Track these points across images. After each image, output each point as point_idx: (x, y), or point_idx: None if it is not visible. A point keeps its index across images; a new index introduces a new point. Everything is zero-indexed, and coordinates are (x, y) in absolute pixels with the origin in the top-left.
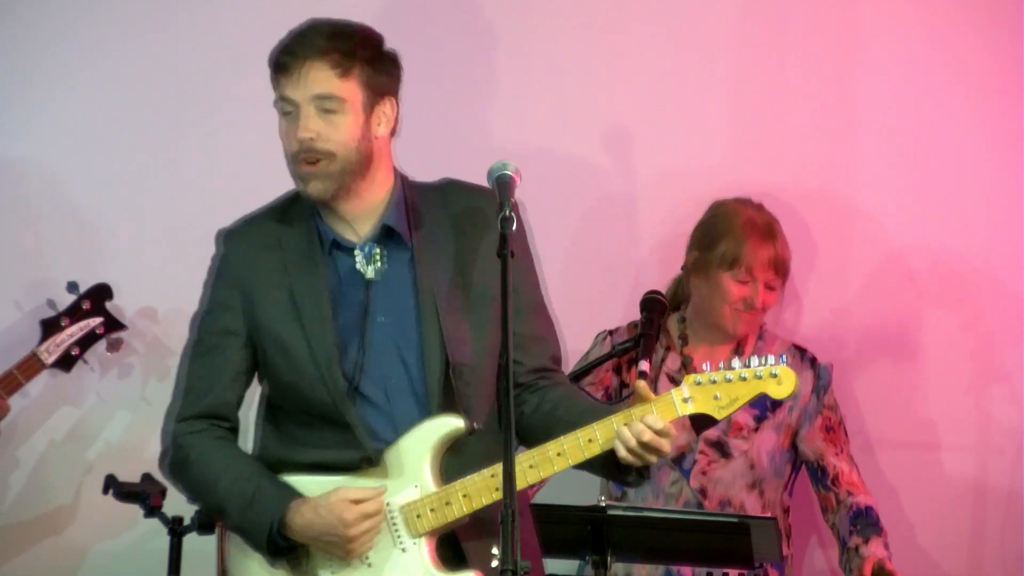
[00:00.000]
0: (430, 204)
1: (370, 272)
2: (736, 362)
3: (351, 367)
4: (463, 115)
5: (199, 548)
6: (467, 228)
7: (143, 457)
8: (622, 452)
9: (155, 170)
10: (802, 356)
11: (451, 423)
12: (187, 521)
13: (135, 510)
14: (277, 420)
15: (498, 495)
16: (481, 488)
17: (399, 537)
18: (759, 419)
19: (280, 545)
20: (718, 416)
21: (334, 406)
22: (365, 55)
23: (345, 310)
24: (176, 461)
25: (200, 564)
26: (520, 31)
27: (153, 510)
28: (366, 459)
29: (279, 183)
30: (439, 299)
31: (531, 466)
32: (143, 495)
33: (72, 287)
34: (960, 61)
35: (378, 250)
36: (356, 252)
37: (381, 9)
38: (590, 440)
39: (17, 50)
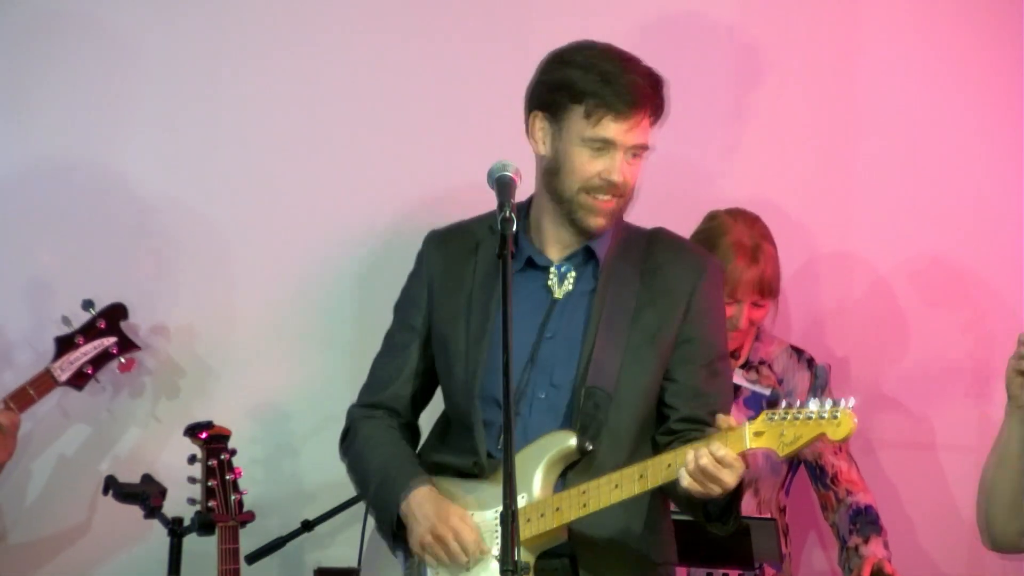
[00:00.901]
0: (632, 244)
1: (558, 292)
2: (813, 403)
3: (519, 380)
4: (460, 116)
5: (199, 548)
6: (659, 276)
7: (152, 470)
8: (685, 480)
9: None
10: (799, 357)
11: (564, 439)
12: (187, 522)
13: (146, 524)
14: (442, 425)
15: (585, 511)
16: (572, 503)
17: (497, 544)
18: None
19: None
20: (781, 453)
21: (468, 412)
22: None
23: (518, 322)
24: (347, 439)
25: (200, 564)
26: (520, 30)
27: (153, 510)
28: (477, 464)
29: (295, 203)
30: (602, 327)
31: (616, 486)
32: (143, 495)
33: (87, 305)
34: (960, 62)
35: (573, 272)
36: (552, 271)
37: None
38: (669, 465)
39: (26, 64)
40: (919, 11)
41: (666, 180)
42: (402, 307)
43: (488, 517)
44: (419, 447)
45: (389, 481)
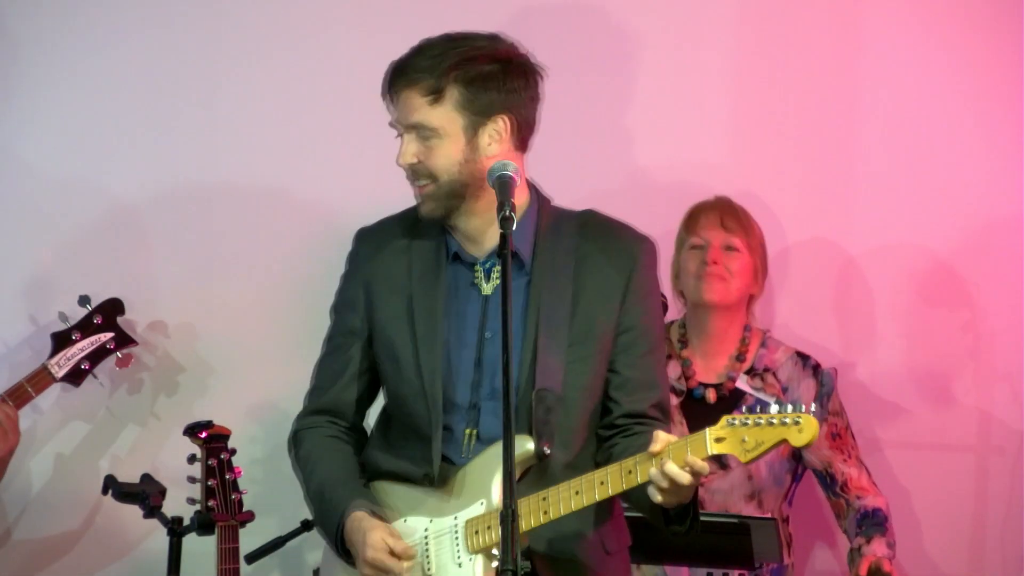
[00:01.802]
0: (562, 232)
1: (487, 288)
2: (774, 407)
3: (469, 384)
4: None
5: (199, 548)
6: (592, 263)
7: (152, 469)
8: (657, 497)
9: (171, 183)
10: (804, 363)
11: (521, 444)
12: (187, 521)
13: (146, 524)
14: (385, 424)
15: (546, 518)
16: (532, 509)
17: (458, 551)
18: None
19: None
20: (743, 459)
21: (428, 420)
22: (462, 76)
23: (455, 322)
24: (293, 453)
25: (200, 564)
26: (520, 29)
27: (153, 510)
28: (427, 476)
29: (296, 203)
30: (542, 325)
31: (576, 492)
32: (143, 495)
33: (84, 300)
34: (960, 61)
35: (498, 267)
36: (477, 267)
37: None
38: (629, 471)
39: (26, 60)
40: (919, 10)
41: (665, 179)
42: (339, 308)
43: (447, 524)
44: (365, 450)
45: (326, 505)
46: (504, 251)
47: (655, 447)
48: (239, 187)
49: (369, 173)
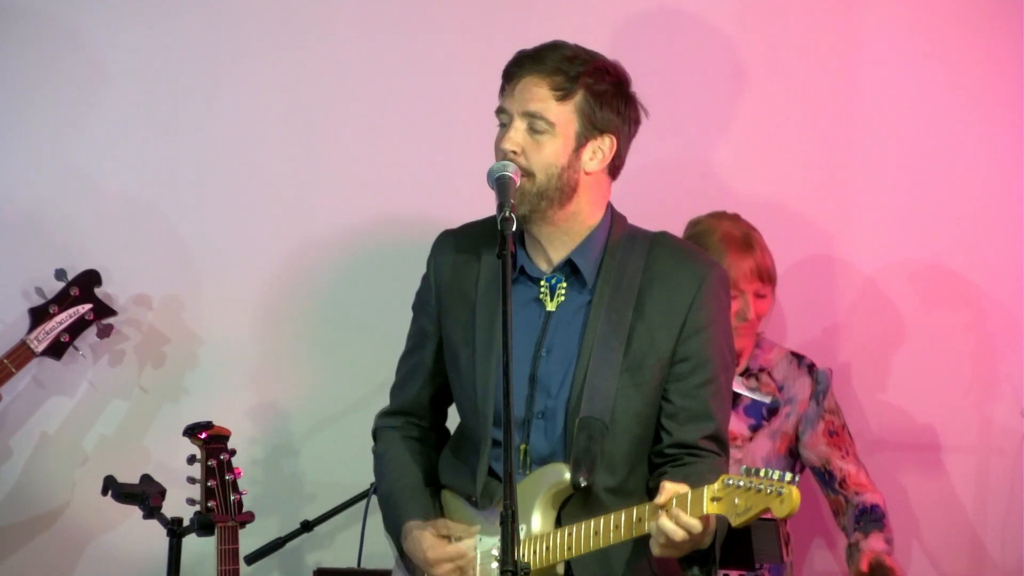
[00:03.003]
0: (632, 253)
1: (551, 304)
2: (764, 472)
3: (523, 400)
4: (458, 114)
5: (199, 549)
6: (656, 288)
7: (142, 445)
8: (656, 549)
9: (151, 157)
10: (799, 362)
11: (558, 473)
12: (186, 522)
13: (146, 525)
14: (460, 431)
15: (570, 554)
16: (559, 544)
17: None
18: (754, 428)
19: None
20: (734, 523)
21: (480, 434)
22: (592, 85)
23: (514, 336)
24: (374, 452)
25: (200, 565)
26: (519, 29)
27: (152, 511)
28: (471, 499)
29: (275, 173)
30: (596, 348)
31: (595, 532)
32: (142, 496)
33: (60, 274)
34: (960, 62)
35: (564, 284)
36: (543, 283)
37: None
38: (640, 519)
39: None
40: (919, 10)
41: (664, 182)
42: (416, 309)
43: (491, 544)
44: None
45: (391, 513)
46: (503, 252)
47: (660, 499)
48: (242, 191)
49: (371, 176)
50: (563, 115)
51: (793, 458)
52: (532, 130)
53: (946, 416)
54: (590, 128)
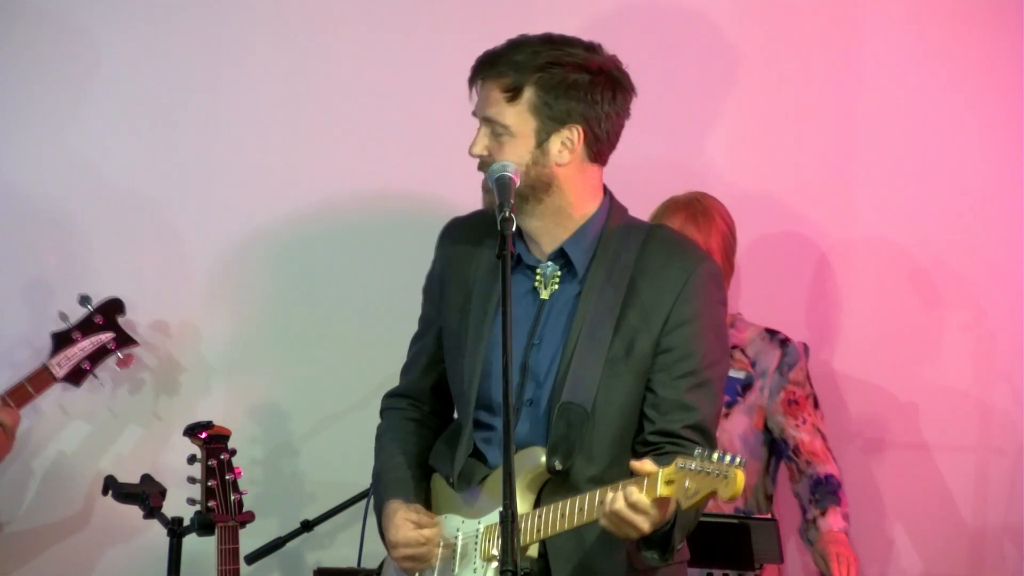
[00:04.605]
0: (626, 245)
1: (545, 293)
2: (716, 455)
3: (516, 386)
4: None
5: (199, 548)
6: (647, 279)
7: (152, 469)
8: (601, 520)
9: (171, 184)
10: (771, 337)
11: (535, 458)
12: (187, 522)
13: (146, 525)
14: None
15: (539, 535)
16: (530, 526)
17: (475, 558)
18: (730, 404)
19: None
20: (684, 506)
21: (463, 417)
22: (542, 80)
23: (514, 327)
24: (377, 430)
25: (200, 564)
26: (519, 28)
27: (153, 511)
28: (449, 480)
29: (296, 197)
30: (582, 337)
31: (562, 515)
32: (142, 496)
33: (84, 300)
34: (960, 60)
35: (558, 273)
36: (538, 271)
37: None
38: (601, 502)
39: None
40: (919, 8)
41: (663, 178)
42: (423, 293)
43: (472, 527)
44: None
45: (378, 493)
46: (503, 252)
47: (632, 465)
48: (242, 191)
49: (370, 175)
50: (516, 116)
51: (769, 433)
52: (494, 133)
53: (946, 416)
54: (549, 123)
